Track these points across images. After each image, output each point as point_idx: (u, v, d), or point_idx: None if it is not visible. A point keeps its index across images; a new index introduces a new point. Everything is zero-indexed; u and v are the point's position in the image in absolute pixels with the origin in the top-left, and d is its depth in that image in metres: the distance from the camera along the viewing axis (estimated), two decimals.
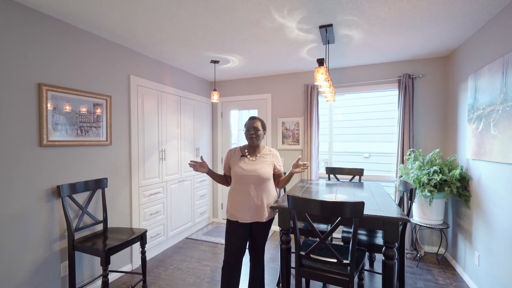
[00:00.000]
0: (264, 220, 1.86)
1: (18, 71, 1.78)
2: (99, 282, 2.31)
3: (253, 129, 1.90)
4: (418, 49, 2.74)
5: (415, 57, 3.01)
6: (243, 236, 1.86)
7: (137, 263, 2.74)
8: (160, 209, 3.07)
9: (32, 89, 1.85)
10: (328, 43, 2.44)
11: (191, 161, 1.92)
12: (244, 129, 1.95)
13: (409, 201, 1.93)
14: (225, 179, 2.08)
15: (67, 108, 2.08)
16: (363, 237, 2.12)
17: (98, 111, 2.33)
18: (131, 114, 2.65)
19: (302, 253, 1.58)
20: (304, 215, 1.54)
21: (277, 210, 1.90)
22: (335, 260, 1.50)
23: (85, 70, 2.22)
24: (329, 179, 3.08)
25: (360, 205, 1.39)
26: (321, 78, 1.93)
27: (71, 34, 2.11)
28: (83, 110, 2.20)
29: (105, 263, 1.85)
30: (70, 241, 2.00)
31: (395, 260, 1.57)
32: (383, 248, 1.60)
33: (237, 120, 4.23)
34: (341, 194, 2.21)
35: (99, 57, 2.35)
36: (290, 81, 3.70)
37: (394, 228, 1.56)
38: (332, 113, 3.63)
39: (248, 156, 1.92)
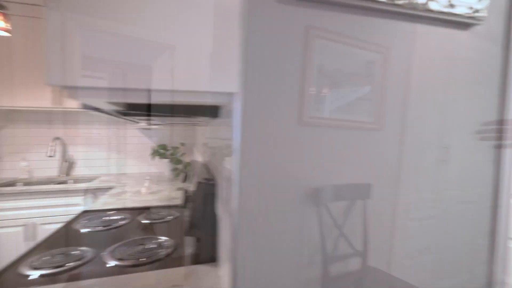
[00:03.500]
0: None
1: None
2: None
3: None
4: None
5: None
6: None
7: None
8: (429, 244, 1.83)
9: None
10: None
11: None
12: None
13: None
14: None
15: (332, 64, 1.31)
16: None
17: (368, 73, 1.43)
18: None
19: None
20: None
21: None
22: None
23: None
24: None
25: None
26: None
27: None
28: (350, 68, 1.37)
29: None
30: (325, 275, 1.25)
31: None
32: None
33: None
34: None
35: None
36: None
37: None
38: None
39: None
